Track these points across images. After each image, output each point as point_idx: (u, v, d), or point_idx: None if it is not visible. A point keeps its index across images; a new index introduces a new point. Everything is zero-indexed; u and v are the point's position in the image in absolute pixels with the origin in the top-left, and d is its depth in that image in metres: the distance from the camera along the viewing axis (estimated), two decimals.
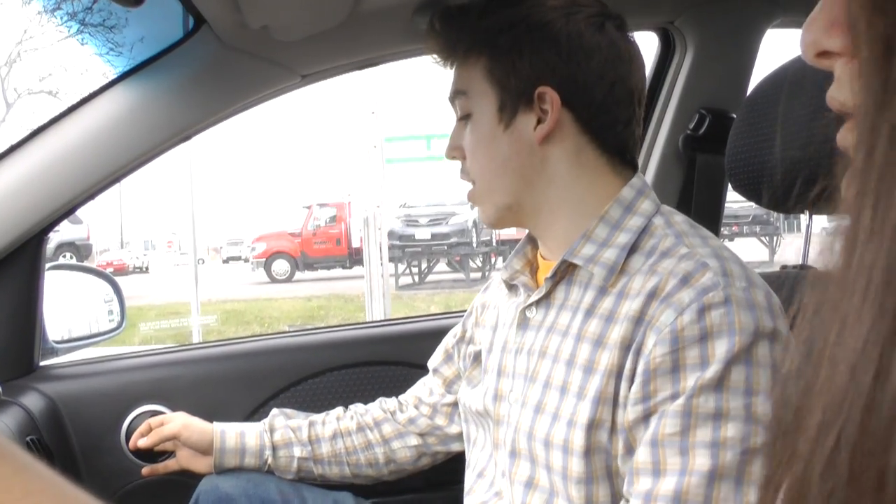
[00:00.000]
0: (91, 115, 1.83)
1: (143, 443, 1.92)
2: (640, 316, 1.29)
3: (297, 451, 1.91)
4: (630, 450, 1.29)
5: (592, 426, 1.31)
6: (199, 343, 2.23)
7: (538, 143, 1.45)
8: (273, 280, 25.76)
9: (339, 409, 1.98)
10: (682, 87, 2.22)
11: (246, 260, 32.61)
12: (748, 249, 20.04)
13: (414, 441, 1.91)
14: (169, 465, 1.97)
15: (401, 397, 1.97)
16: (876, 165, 0.44)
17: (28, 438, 1.84)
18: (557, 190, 1.48)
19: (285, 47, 1.82)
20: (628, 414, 1.28)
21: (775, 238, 22.77)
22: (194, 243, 14.09)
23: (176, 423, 1.92)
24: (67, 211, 1.90)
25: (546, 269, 1.51)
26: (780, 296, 1.29)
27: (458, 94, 1.53)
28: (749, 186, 1.64)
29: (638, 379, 1.27)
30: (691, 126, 2.18)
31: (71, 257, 23.33)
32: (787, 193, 1.54)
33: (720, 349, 1.21)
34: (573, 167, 1.47)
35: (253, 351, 2.31)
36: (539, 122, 1.44)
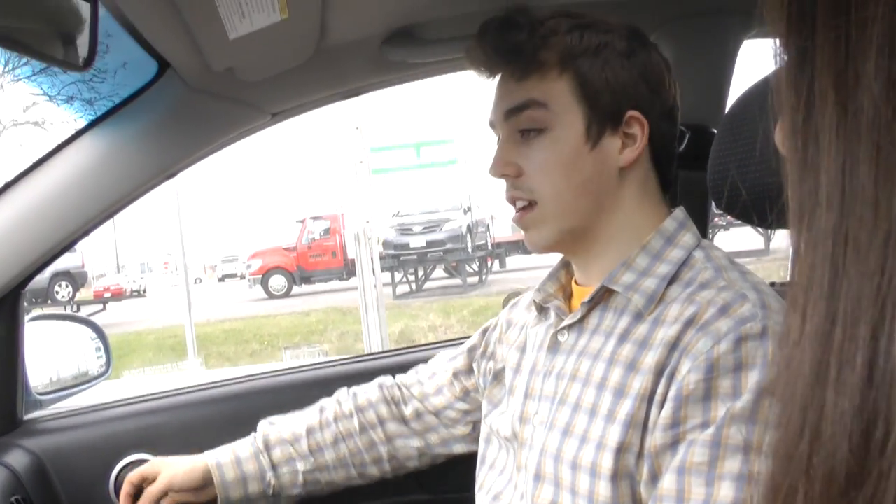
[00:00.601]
0: (59, 167, 1.80)
1: None
2: (676, 342, 1.28)
3: (301, 465, 1.85)
4: (654, 477, 1.27)
5: (622, 450, 1.29)
6: (184, 388, 2.15)
7: (620, 167, 1.45)
8: (270, 296, 25.83)
9: (335, 406, 1.90)
10: None
11: (242, 277, 32.64)
12: (744, 239, 20.10)
13: (416, 443, 1.88)
14: None
15: (401, 381, 1.94)
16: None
17: (13, 499, 1.81)
18: (621, 217, 1.48)
19: (252, 87, 1.80)
20: (656, 439, 1.26)
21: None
22: (185, 269, 14.06)
23: (162, 478, 1.82)
24: (43, 264, 1.88)
25: (581, 294, 1.51)
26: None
27: (532, 105, 1.45)
28: (731, 203, 1.62)
29: (669, 404, 1.25)
30: None
31: (66, 286, 23.32)
32: (770, 209, 1.52)
33: (753, 380, 1.20)
34: (639, 195, 1.48)
35: (239, 393, 2.26)
36: (624, 144, 1.45)
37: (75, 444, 2.08)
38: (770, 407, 0.50)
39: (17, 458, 1.94)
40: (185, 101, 1.81)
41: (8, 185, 1.80)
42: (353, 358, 2.49)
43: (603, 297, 1.44)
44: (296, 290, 26.27)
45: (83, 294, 26.32)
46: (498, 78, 1.50)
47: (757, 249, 20.31)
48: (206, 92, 1.80)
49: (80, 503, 2.04)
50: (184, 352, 14.24)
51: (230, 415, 2.17)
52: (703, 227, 2.14)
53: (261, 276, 26.53)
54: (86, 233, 1.87)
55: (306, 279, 26.26)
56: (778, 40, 0.48)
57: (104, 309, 25.13)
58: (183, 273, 13.99)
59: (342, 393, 1.94)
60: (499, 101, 1.50)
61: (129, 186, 1.83)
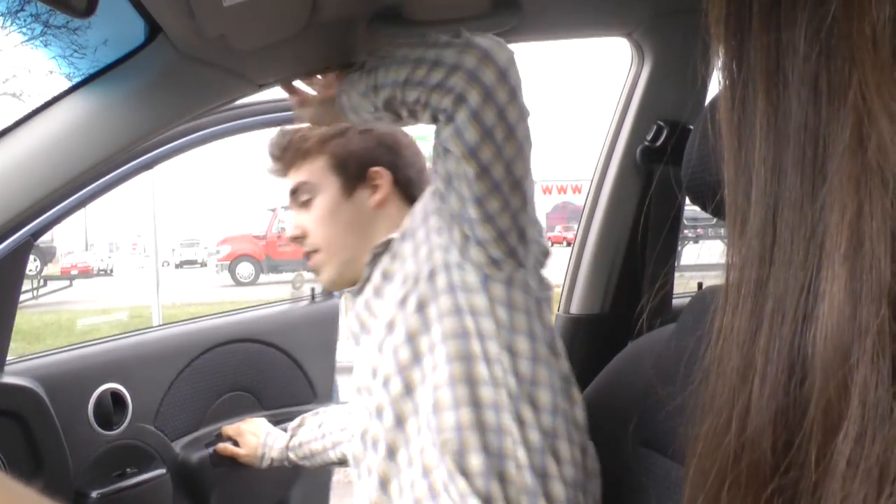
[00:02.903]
0: (47, 123, 1.80)
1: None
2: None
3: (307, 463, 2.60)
4: None
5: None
6: (143, 329, 2.94)
7: (374, 207, 2.10)
8: (238, 283, 25.66)
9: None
10: (640, 98, 2.23)
11: (203, 264, 32.31)
12: (713, 252, 20.08)
13: None
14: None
15: None
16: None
17: None
18: (380, 235, 2.04)
19: (242, 56, 1.81)
20: None
21: None
22: (156, 250, 13.96)
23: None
24: (28, 217, 1.89)
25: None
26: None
27: (303, 186, 2.12)
28: (704, 198, 1.65)
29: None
30: (649, 137, 2.18)
31: (34, 260, 23.07)
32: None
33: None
34: (392, 217, 2.08)
35: (169, 335, 2.88)
36: (373, 192, 2.10)
37: (60, 376, 2.45)
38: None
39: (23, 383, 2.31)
40: (173, 67, 1.81)
41: None
42: (239, 310, 3.29)
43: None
44: (263, 278, 26.11)
45: (50, 269, 26.09)
46: None
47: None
48: (195, 59, 1.80)
49: (68, 422, 2.39)
50: None
51: (163, 352, 2.75)
52: (677, 220, 2.18)
53: (229, 262, 26.36)
54: (67, 192, 1.87)
55: (274, 268, 26.09)
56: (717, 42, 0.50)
57: (71, 285, 24.89)
58: (153, 254, 13.89)
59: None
60: (286, 187, 2.17)
61: (112, 148, 1.83)
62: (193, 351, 2.80)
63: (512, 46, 1.70)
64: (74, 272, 28.33)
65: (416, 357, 1.77)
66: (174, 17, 1.62)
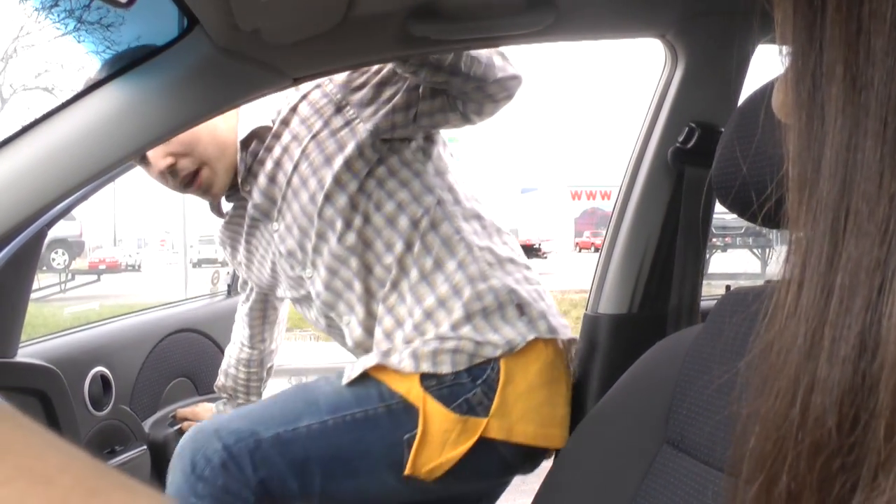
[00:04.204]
0: (83, 112, 1.81)
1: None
2: None
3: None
4: None
5: None
6: (124, 315, 3.34)
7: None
8: None
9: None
10: (673, 99, 2.22)
11: (223, 263, 32.38)
12: (741, 261, 20.00)
13: None
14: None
15: None
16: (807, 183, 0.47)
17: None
18: (231, 129, 2.34)
19: (277, 50, 1.82)
20: None
21: (767, 250, 22.75)
22: (185, 245, 14.03)
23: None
24: (58, 204, 1.91)
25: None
26: (762, 307, 1.31)
27: None
28: (734, 200, 1.65)
29: None
30: (680, 139, 2.18)
31: (63, 254, 23.21)
32: (771, 208, 1.54)
33: None
34: (230, 112, 2.27)
35: (137, 322, 3.20)
36: None
37: (64, 359, 2.61)
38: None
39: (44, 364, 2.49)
40: (209, 59, 1.82)
41: (29, 127, 1.81)
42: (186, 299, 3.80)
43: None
44: None
45: (78, 263, 26.22)
46: None
47: (752, 273, 20.29)
48: (230, 52, 1.81)
49: (74, 394, 2.59)
50: None
51: (134, 338, 3.06)
52: (707, 222, 2.17)
53: None
54: (98, 177, 1.88)
55: None
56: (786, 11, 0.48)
57: (98, 280, 25.01)
58: (182, 251, 13.98)
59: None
60: None
61: (147, 138, 1.84)
62: (153, 338, 3.13)
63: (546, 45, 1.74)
64: (102, 267, 28.51)
65: (353, 205, 2.20)
66: (211, 9, 1.64)
